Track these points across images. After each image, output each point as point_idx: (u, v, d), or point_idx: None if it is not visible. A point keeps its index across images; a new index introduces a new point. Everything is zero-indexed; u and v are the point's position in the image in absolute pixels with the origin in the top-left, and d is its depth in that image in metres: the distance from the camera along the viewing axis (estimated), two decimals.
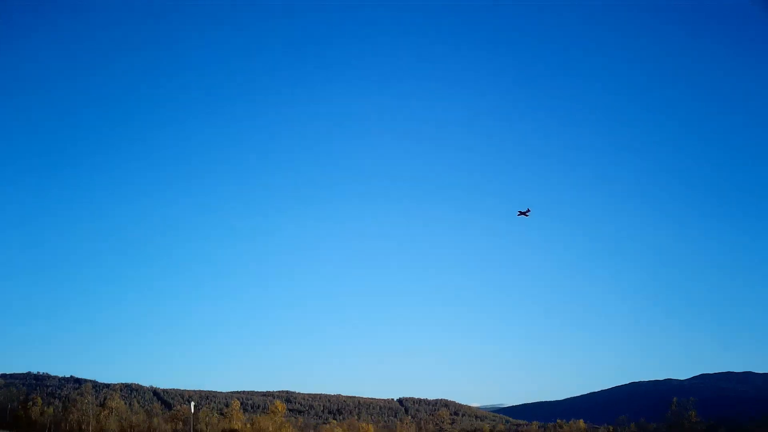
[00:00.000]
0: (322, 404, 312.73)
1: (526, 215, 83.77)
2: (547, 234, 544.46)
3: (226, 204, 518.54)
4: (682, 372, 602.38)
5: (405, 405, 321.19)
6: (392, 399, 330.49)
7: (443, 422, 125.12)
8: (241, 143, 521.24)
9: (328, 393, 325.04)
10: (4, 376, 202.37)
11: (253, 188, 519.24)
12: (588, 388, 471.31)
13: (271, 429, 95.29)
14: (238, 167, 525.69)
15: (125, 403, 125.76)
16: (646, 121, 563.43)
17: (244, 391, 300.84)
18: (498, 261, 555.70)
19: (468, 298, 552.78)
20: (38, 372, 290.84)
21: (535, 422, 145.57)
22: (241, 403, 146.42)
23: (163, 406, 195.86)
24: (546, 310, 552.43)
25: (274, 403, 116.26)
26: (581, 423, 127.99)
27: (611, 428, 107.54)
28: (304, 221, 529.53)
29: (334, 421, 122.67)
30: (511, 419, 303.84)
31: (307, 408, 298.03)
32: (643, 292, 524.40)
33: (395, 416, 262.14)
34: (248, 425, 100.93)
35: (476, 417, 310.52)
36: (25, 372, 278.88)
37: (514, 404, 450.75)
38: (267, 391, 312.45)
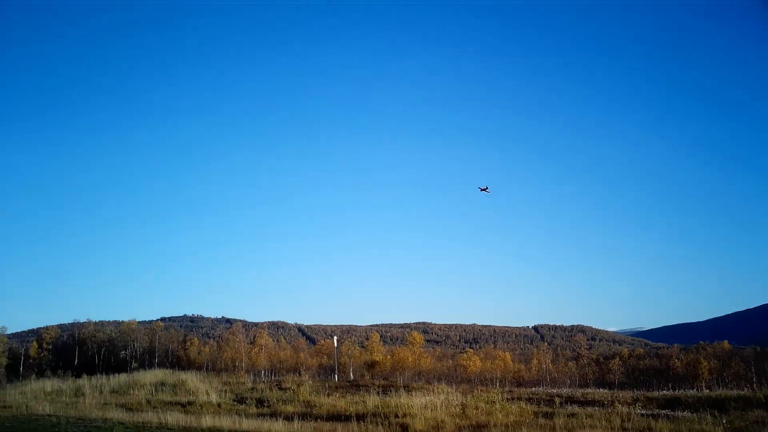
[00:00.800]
0: (458, 334, 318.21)
1: (487, 191, 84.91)
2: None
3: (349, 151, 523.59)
4: None
5: (540, 332, 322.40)
6: (528, 326, 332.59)
7: (580, 347, 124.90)
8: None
9: (463, 323, 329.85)
10: (163, 319, 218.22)
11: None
12: (732, 308, 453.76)
13: (410, 359, 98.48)
14: None
15: (273, 340, 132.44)
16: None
17: (382, 324, 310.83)
18: (633, 179, 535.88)
19: (603, 220, 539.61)
20: (193, 314, 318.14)
21: (676, 345, 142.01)
22: (380, 336, 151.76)
23: (308, 341, 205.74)
24: (685, 228, 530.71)
25: (411, 334, 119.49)
26: (725, 344, 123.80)
27: (758, 349, 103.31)
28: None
29: (471, 350, 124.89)
30: (650, 342, 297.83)
31: (443, 338, 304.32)
32: None
33: (531, 343, 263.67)
34: (388, 356, 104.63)
35: (614, 341, 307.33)
36: (181, 315, 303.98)
37: (654, 327, 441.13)
38: (404, 323, 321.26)
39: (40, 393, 63.39)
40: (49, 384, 72.36)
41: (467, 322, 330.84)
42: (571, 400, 50.47)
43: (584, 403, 48.83)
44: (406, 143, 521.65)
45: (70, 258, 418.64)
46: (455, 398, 47.09)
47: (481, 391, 54.97)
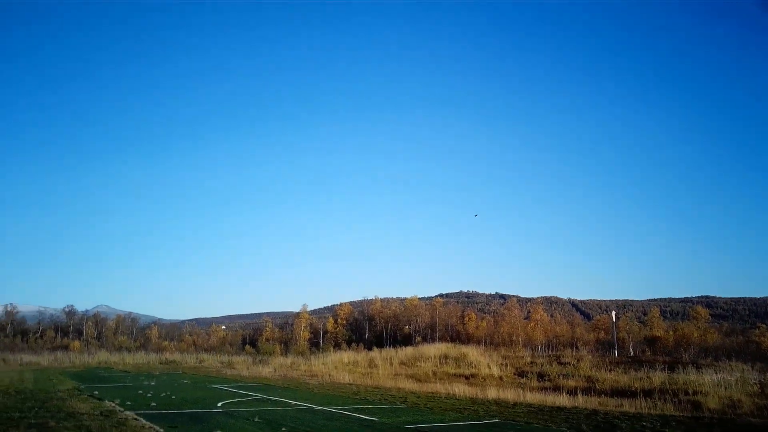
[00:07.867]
0: (746, 308, 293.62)
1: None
2: None
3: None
4: None
5: None
6: None
7: None
8: None
9: (752, 296, 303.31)
10: (441, 295, 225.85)
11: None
12: None
13: (695, 335, 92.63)
14: None
15: (547, 315, 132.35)
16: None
17: (661, 298, 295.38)
18: None
19: None
20: (469, 290, 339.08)
21: None
22: (660, 310, 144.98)
23: (582, 316, 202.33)
24: None
25: (695, 309, 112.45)
26: None
27: None
28: None
29: (763, 326, 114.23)
30: None
31: (730, 313, 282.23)
32: None
33: None
34: (670, 332, 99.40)
35: None
36: (458, 291, 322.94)
37: None
38: (685, 297, 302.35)
39: (339, 363, 69.97)
40: (346, 356, 79.64)
41: (757, 295, 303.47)
42: None
43: None
44: None
45: (357, 243, 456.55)
46: (751, 376, 44.14)
47: None
